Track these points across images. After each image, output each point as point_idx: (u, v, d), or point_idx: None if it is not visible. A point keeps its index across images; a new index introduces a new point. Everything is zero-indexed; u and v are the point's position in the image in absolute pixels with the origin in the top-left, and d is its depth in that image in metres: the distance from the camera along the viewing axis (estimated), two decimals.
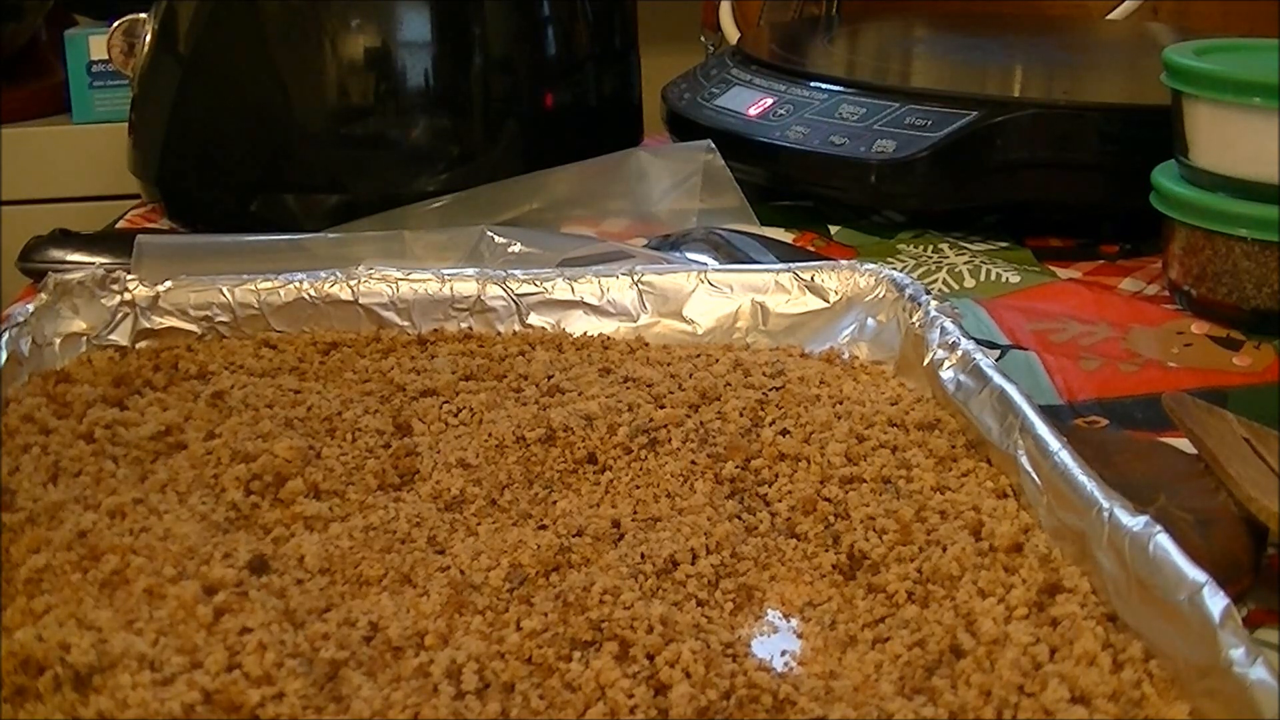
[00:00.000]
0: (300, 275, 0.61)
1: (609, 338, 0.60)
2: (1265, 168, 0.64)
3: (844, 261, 0.63)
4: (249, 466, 0.47)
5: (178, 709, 0.35)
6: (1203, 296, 0.68)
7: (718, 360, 0.57)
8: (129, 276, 0.60)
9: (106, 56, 0.87)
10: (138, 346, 0.59)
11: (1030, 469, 0.45)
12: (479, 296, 0.61)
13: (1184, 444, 0.50)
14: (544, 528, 0.45)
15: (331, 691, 0.36)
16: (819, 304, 0.61)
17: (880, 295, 0.60)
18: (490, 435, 0.50)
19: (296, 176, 0.79)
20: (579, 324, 0.61)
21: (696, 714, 0.35)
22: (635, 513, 0.46)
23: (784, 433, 0.51)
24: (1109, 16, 1.09)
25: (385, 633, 0.39)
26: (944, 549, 0.43)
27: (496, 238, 0.70)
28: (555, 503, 0.47)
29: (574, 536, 0.44)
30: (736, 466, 0.48)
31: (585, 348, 0.59)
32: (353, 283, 0.61)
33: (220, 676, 0.36)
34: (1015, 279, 0.73)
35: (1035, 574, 0.41)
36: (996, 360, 0.57)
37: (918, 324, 0.56)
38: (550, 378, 0.55)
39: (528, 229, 0.74)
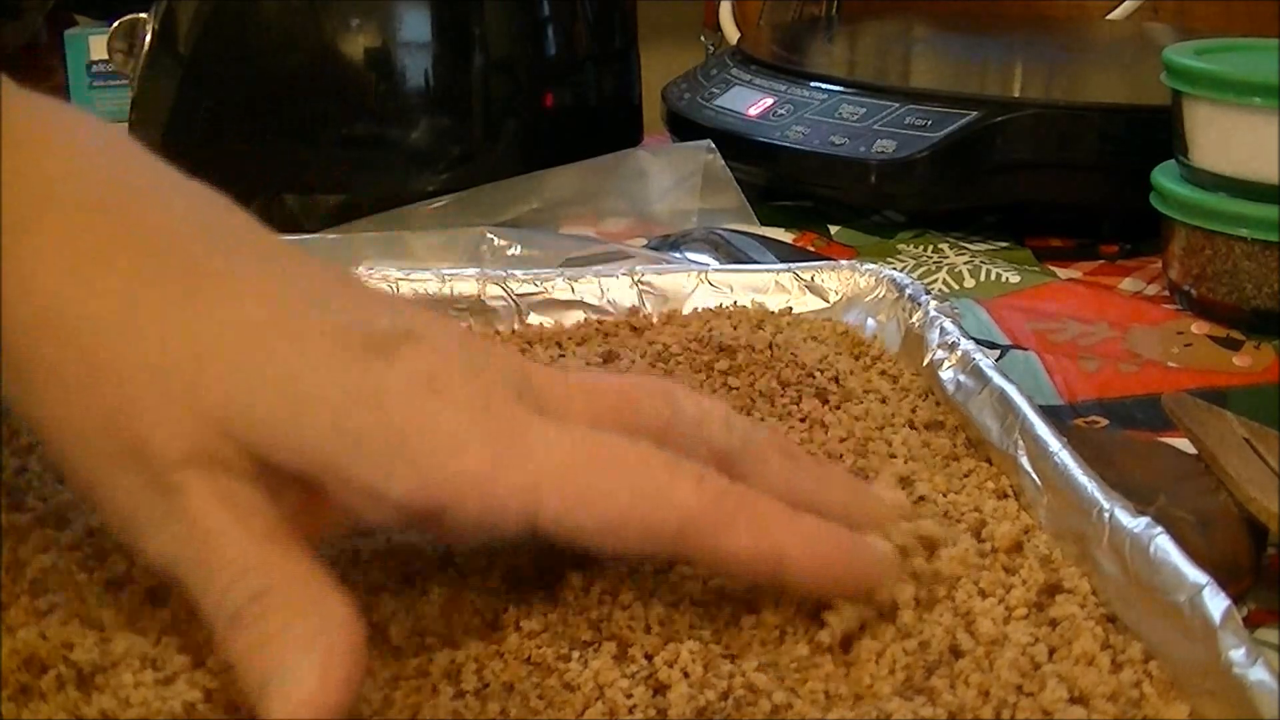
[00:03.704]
0: None
1: (605, 322, 0.59)
2: (1265, 168, 0.64)
3: (844, 261, 0.63)
4: None
5: (179, 708, 0.35)
6: (1203, 296, 0.68)
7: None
8: None
9: (106, 56, 0.87)
10: None
11: (1030, 469, 0.45)
12: (479, 296, 0.61)
13: (1184, 444, 0.50)
14: None
15: None
16: (819, 304, 0.61)
17: (880, 295, 0.60)
18: None
19: (296, 176, 0.79)
20: None
21: (695, 714, 0.35)
22: None
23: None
24: (1109, 16, 1.09)
25: (385, 632, 0.39)
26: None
27: (496, 240, 0.71)
28: None
29: None
30: None
31: (585, 342, 0.59)
32: None
33: (221, 675, 0.36)
34: (1015, 279, 0.73)
35: (1035, 575, 0.41)
36: (996, 360, 0.57)
37: (917, 324, 0.56)
38: None
39: (528, 230, 0.74)
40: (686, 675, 0.36)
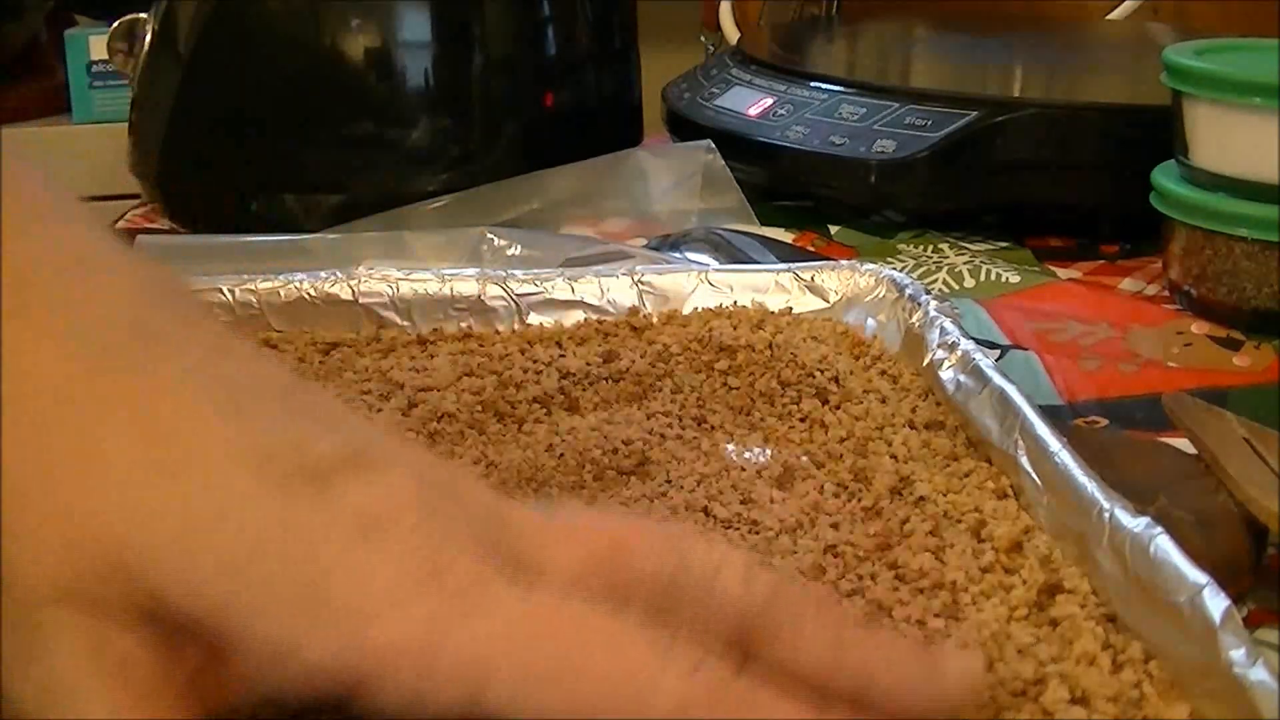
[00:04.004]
0: (300, 275, 0.61)
1: (605, 322, 0.59)
2: (1265, 168, 0.64)
3: (844, 261, 0.63)
4: None
5: None
6: (1203, 296, 0.68)
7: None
8: None
9: (106, 56, 0.87)
10: None
11: (1030, 469, 0.45)
12: (479, 296, 0.61)
13: (1184, 444, 0.50)
14: None
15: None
16: (819, 304, 0.61)
17: (880, 295, 0.60)
18: None
19: (296, 176, 0.79)
20: None
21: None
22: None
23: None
24: (1109, 16, 1.09)
25: None
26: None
27: (496, 240, 0.71)
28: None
29: None
30: None
31: (585, 342, 0.59)
32: (353, 283, 0.61)
33: None
34: (1015, 279, 0.73)
35: (1035, 575, 0.41)
36: (996, 360, 0.57)
37: (917, 324, 0.56)
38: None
39: (528, 230, 0.74)
40: None
